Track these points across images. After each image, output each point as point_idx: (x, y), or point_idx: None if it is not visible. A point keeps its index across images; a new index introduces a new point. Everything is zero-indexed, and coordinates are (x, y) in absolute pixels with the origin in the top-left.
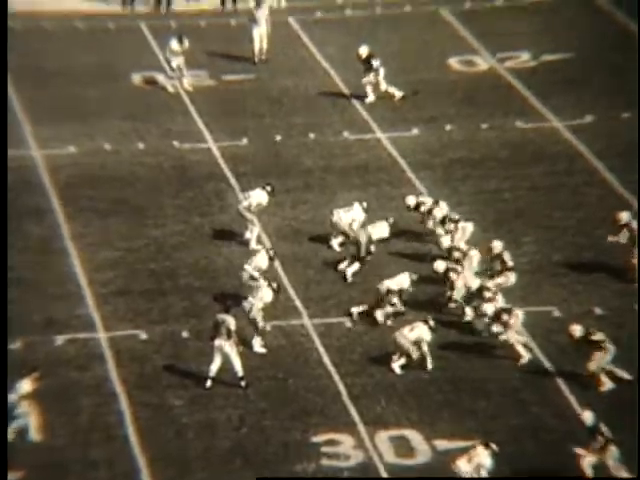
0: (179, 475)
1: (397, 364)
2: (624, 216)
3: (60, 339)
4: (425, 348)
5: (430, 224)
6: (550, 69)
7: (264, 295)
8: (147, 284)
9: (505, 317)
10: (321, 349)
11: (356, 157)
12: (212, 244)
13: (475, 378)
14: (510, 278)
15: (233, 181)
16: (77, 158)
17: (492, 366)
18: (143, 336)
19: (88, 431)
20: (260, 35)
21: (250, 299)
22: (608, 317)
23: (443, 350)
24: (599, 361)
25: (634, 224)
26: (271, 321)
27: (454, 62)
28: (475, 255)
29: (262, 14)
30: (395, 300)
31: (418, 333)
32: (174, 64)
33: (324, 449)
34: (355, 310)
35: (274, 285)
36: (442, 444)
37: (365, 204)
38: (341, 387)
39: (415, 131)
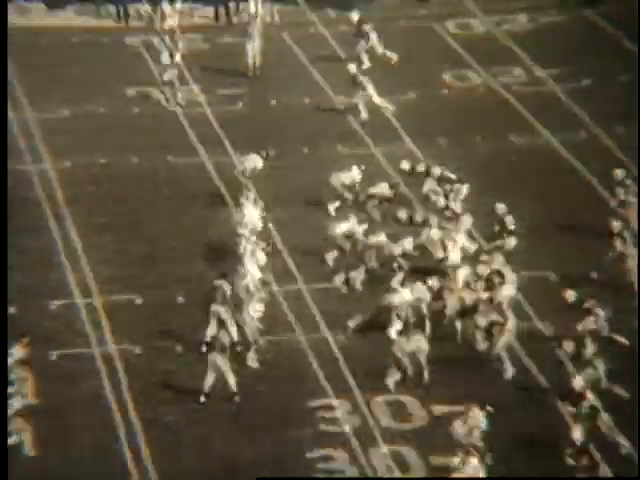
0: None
1: (391, 380)
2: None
3: (54, 304)
4: (423, 360)
5: (425, 188)
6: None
7: (258, 258)
8: (145, 299)
9: (496, 331)
10: (317, 315)
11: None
12: (206, 260)
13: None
14: (509, 242)
15: (227, 196)
16: (71, 171)
17: (487, 381)
18: (138, 301)
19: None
20: (253, 50)
21: (245, 262)
22: (604, 281)
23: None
24: (588, 325)
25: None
26: (265, 287)
27: (448, 77)
28: (467, 218)
29: (255, 29)
30: (401, 262)
31: (416, 344)
32: (166, 78)
33: (320, 414)
34: (351, 323)
35: (267, 248)
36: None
37: (363, 167)
38: (337, 352)
39: (408, 144)
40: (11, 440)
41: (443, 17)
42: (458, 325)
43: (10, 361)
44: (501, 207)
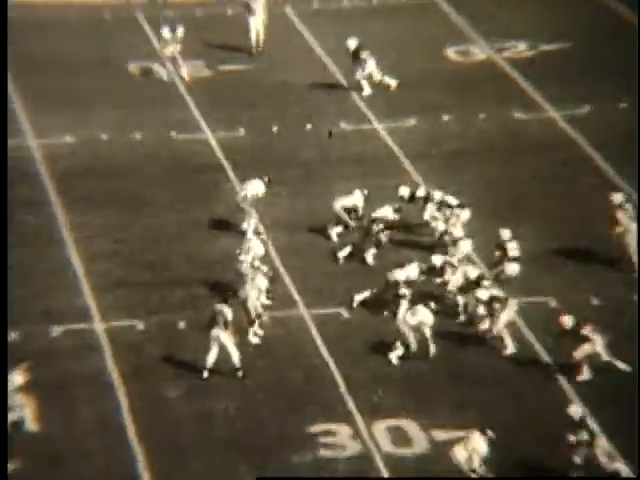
0: (175, 465)
1: (394, 354)
2: (617, 197)
3: (57, 330)
4: (428, 333)
5: (426, 214)
6: (547, 59)
7: (259, 283)
8: (144, 275)
9: (497, 305)
10: (318, 339)
11: (353, 148)
12: (209, 234)
13: (472, 368)
14: (509, 268)
15: (230, 172)
16: (74, 148)
17: (489, 356)
18: (140, 327)
19: (85, 422)
20: (256, 26)
21: (246, 287)
22: (605, 307)
23: (440, 339)
24: (585, 351)
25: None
26: (268, 311)
27: (451, 52)
28: (465, 244)
29: (258, 4)
30: (404, 291)
31: (420, 317)
32: (167, 53)
33: (321, 439)
34: (357, 297)
35: (270, 273)
36: (439, 434)
37: (366, 191)
38: (338, 377)
39: (412, 121)
40: (12, 416)
41: None
42: (460, 301)
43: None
44: (505, 233)
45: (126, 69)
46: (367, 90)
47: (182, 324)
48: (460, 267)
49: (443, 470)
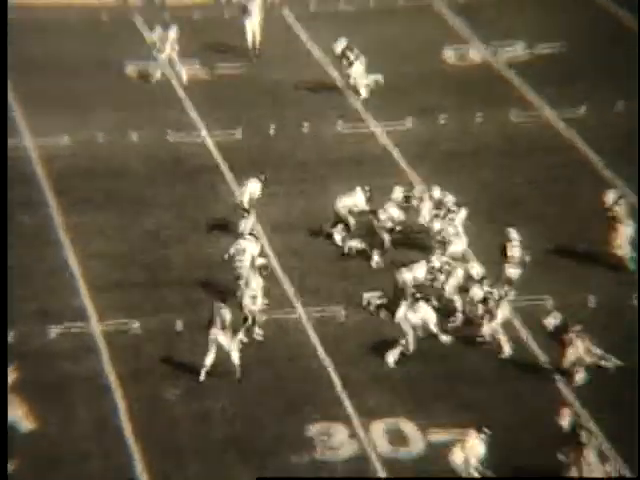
0: (173, 466)
1: (391, 356)
2: (610, 196)
3: (54, 331)
4: (434, 329)
5: (421, 217)
6: (544, 61)
7: (255, 282)
8: (141, 275)
9: (492, 304)
10: (315, 340)
11: (350, 149)
12: (207, 235)
13: (470, 369)
14: (507, 270)
15: (227, 172)
16: (71, 149)
17: (487, 357)
18: (137, 327)
19: (82, 424)
20: (252, 27)
21: (242, 287)
22: (603, 307)
23: (438, 340)
24: (570, 357)
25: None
26: (265, 312)
27: (448, 54)
28: (458, 243)
29: (254, 6)
30: (413, 291)
31: (422, 314)
32: (163, 55)
33: (319, 440)
34: (373, 300)
35: (263, 272)
36: (437, 435)
37: (367, 189)
38: (335, 378)
39: (409, 123)
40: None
41: None
42: (458, 302)
43: None
44: (513, 234)
45: (123, 71)
46: (364, 92)
47: (180, 325)
48: (458, 267)
49: (440, 470)
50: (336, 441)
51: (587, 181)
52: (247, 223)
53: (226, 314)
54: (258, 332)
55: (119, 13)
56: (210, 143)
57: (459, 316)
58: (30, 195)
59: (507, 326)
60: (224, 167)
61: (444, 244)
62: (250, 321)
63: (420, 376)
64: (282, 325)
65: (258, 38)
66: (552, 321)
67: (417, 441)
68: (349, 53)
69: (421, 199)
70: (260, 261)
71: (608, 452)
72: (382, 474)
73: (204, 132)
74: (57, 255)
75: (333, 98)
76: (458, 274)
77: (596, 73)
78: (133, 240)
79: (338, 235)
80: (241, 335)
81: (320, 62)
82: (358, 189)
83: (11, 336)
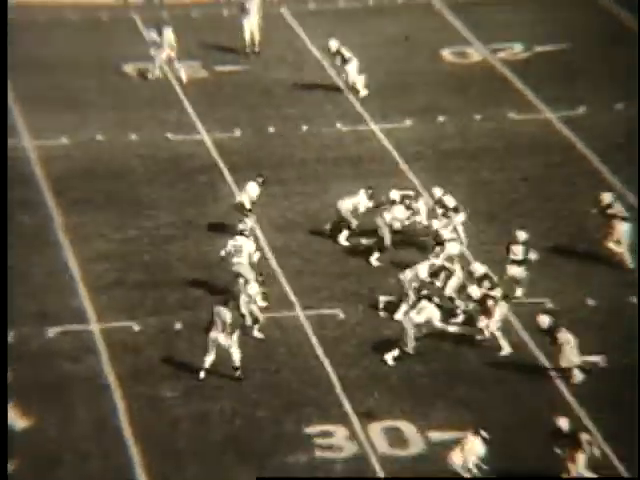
0: (172, 467)
1: (390, 355)
2: (607, 197)
3: (53, 331)
4: (439, 324)
5: (418, 218)
6: (543, 60)
7: (251, 286)
8: (140, 276)
9: (490, 303)
10: (314, 340)
11: (349, 148)
12: (206, 236)
13: (469, 369)
14: (511, 270)
15: (226, 173)
16: (70, 149)
17: (486, 357)
18: (137, 328)
19: (81, 424)
20: (250, 26)
21: (240, 284)
22: (601, 307)
23: (437, 340)
24: (567, 356)
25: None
26: (264, 312)
27: (447, 53)
28: (453, 245)
29: (252, 5)
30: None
31: (427, 314)
32: (162, 56)
33: (317, 440)
34: (382, 299)
35: (260, 277)
36: (435, 435)
37: (371, 190)
38: (334, 378)
39: (408, 122)
40: None
41: None
42: (457, 302)
43: None
44: (521, 234)
45: (122, 70)
46: (363, 91)
47: (179, 325)
48: (457, 267)
49: (439, 471)
50: (335, 441)
51: (586, 181)
52: (247, 223)
53: (226, 315)
54: (257, 333)
55: (119, 13)
56: (209, 143)
57: (459, 316)
58: (29, 195)
59: (506, 326)
60: (223, 167)
61: (442, 244)
62: (250, 320)
63: (419, 376)
64: (281, 325)
65: (257, 37)
66: (546, 320)
67: (416, 441)
68: (343, 50)
69: (417, 199)
70: (257, 256)
71: (607, 453)
72: (381, 474)
73: (203, 132)
74: (56, 255)
75: (332, 97)
76: (458, 274)
77: (596, 73)
78: (132, 240)
79: (343, 238)
80: (238, 334)
81: (319, 61)
82: (362, 191)
83: (11, 336)
